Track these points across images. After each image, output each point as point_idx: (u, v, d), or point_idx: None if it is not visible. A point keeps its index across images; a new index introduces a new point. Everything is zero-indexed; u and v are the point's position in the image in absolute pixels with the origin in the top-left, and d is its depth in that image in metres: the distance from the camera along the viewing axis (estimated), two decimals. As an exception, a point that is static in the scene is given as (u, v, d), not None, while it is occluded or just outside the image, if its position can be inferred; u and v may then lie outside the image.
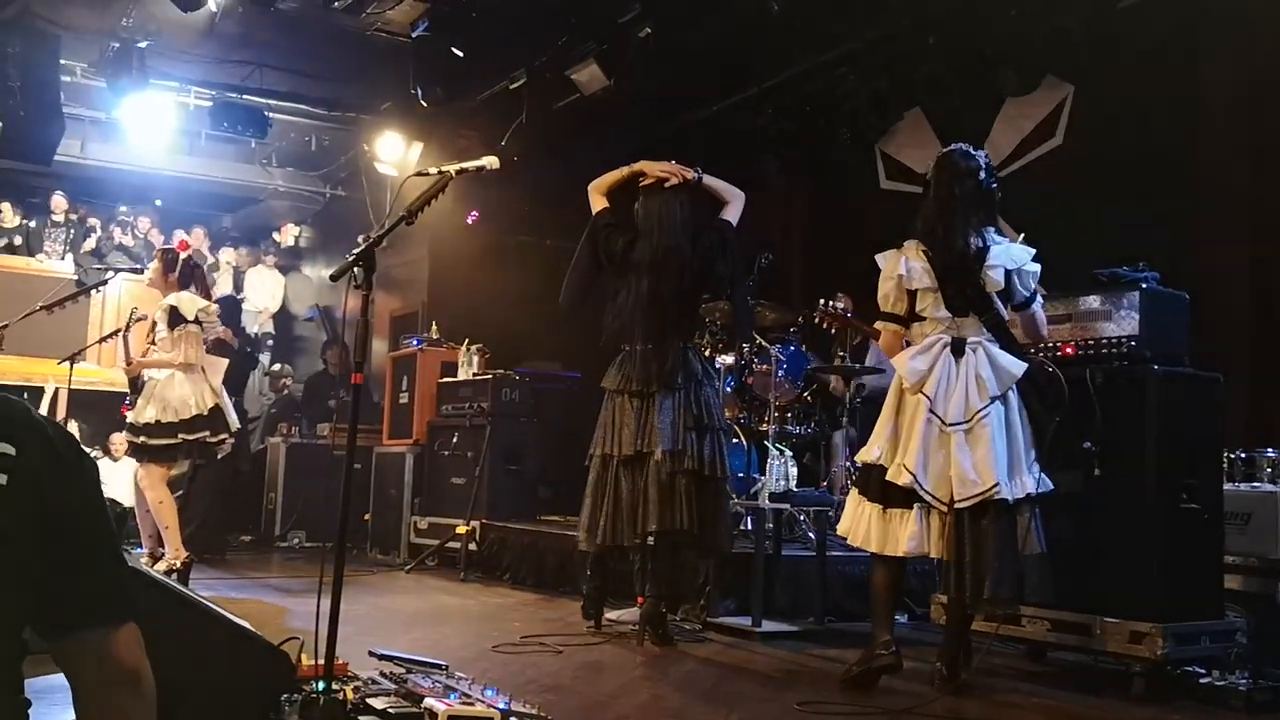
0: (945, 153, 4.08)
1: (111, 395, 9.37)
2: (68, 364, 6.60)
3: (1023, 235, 4.43)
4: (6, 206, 11.00)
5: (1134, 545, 3.89)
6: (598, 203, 4.96)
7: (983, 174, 3.98)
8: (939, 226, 3.93)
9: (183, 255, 6.20)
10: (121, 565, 1.59)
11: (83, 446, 1.61)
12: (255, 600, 5.83)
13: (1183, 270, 4.68)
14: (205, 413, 5.86)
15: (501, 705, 2.90)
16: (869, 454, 3.95)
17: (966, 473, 3.68)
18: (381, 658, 3.38)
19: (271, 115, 9.45)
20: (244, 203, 12.75)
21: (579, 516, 4.87)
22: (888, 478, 3.81)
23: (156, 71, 8.57)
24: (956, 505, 3.70)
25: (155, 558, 6.07)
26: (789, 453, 6.09)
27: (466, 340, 8.31)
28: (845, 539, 4.07)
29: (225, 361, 6.21)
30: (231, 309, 9.59)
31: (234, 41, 8.52)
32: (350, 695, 2.92)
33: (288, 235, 12.84)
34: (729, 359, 6.47)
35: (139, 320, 6.77)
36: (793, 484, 5.93)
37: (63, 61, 8.26)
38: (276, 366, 11.30)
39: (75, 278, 9.85)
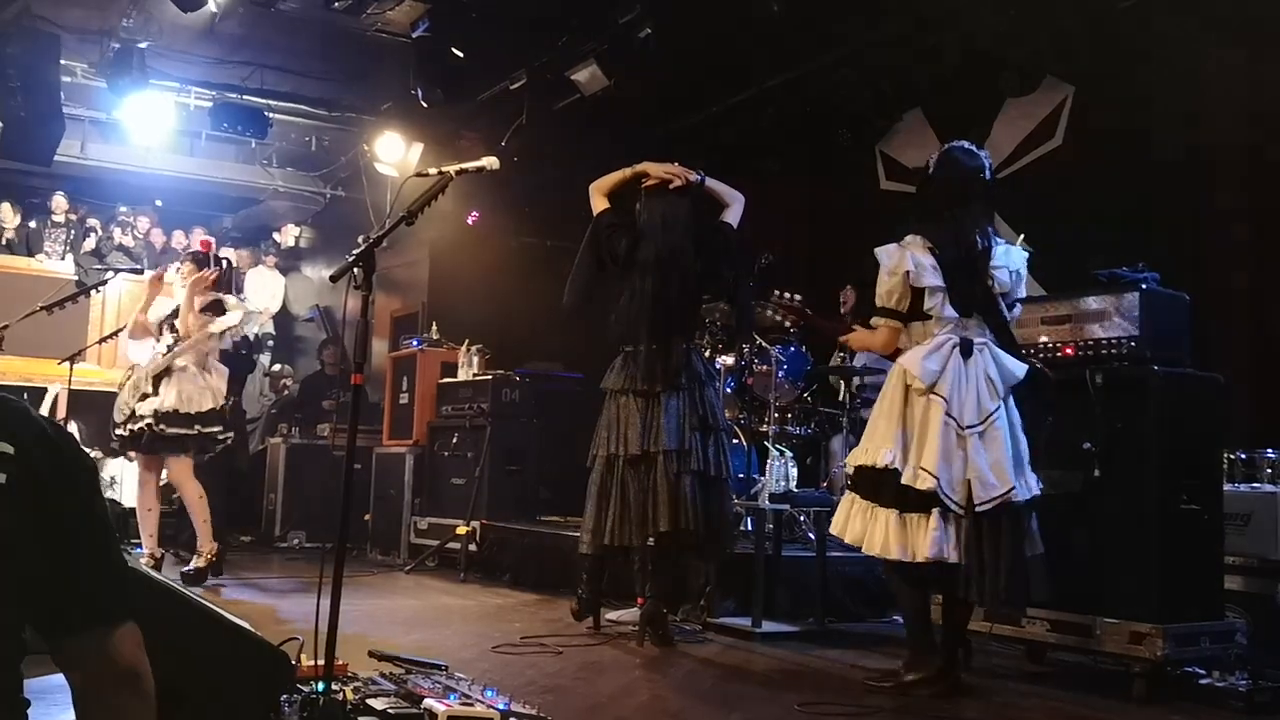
0: (950, 148, 4.01)
1: (111, 395, 9.38)
2: (68, 364, 6.60)
3: (1023, 236, 4.43)
4: (6, 207, 11.00)
5: (1134, 546, 3.88)
6: (599, 203, 4.97)
7: (986, 173, 3.97)
8: (949, 223, 3.88)
9: (216, 258, 6.35)
10: (121, 565, 1.59)
11: (82, 446, 1.62)
12: (255, 600, 5.83)
13: (1183, 271, 4.68)
14: (218, 409, 6.07)
15: (501, 706, 2.90)
16: (877, 457, 3.78)
17: (986, 475, 3.67)
18: (381, 658, 3.38)
19: (272, 115, 9.45)
20: (244, 203, 12.75)
21: (581, 518, 4.87)
22: (905, 481, 3.70)
23: (157, 72, 8.57)
24: (977, 509, 3.67)
25: (156, 558, 6.11)
26: (789, 453, 6.09)
27: (467, 341, 8.31)
28: (850, 543, 3.95)
29: (226, 370, 6.37)
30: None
31: (234, 42, 8.53)
32: (350, 696, 2.92)
33: (288, 236, 12.84)
34: (729, 359, 6.47)
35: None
36: (793, 485, 5.92)
37: (63, 62, 8.26)
38: (276, 367, 11.30)
39: (75, 278, 9.85)
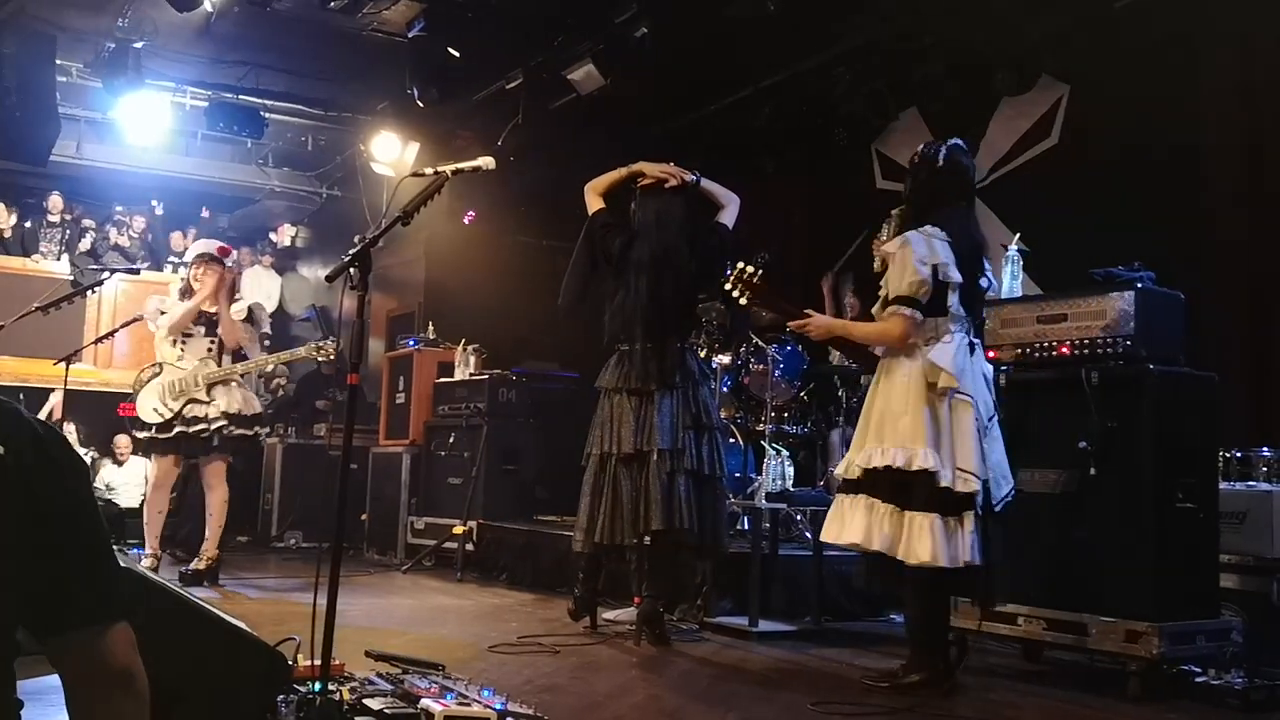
0: (953, 145, 3.99)
1: (106, 396, 9.37)
2: (64, 365, 6.59)
3: (1019, 235, 4.44)
4: (1, 207, 10.98)
5: (1130, 544, 3.89)
6: (594, 203, 4.97)
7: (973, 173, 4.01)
8: (958, 218, 3.88)
9: (229, 262, 6.40)
10: (113, 565, 1.58)
11: (74, 448, 1.61)
12: (252, 600, 5.84)
13: (1178, 269, 4.68)
14: (263, 411, 6.35)
15: (498, 706, 2.90)
16: (909, 458, 3.64)
17: (1002, 474, 3.75)
18: (378, 658, 3.37)
19: (267, 115, 9.44)
20: (240, 203, 12.73)
21: (575, 517, 4.87)
22: (945, 484, 3.63)
23: (152, 72, 8.56)
24: (995, 507, 3.72)
25: (158, 558, 6.10)
26: (785, 452, 6.09)
27: (463, 340, 8.31)
28: (848, 544, 3.85)
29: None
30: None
31: (230, 41, 8.52)
32: (346, 696, 2.92)
33: (284, 235, 12.83)
34: (726, 359, 6.48)
35: (136, 321, 6.80)
36: (789, 484, 5.93)
37: (58, 62, 8.25)
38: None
39: (71, 278, 9.84)
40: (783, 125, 8.04)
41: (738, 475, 6.14)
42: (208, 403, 5.98)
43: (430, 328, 8.91)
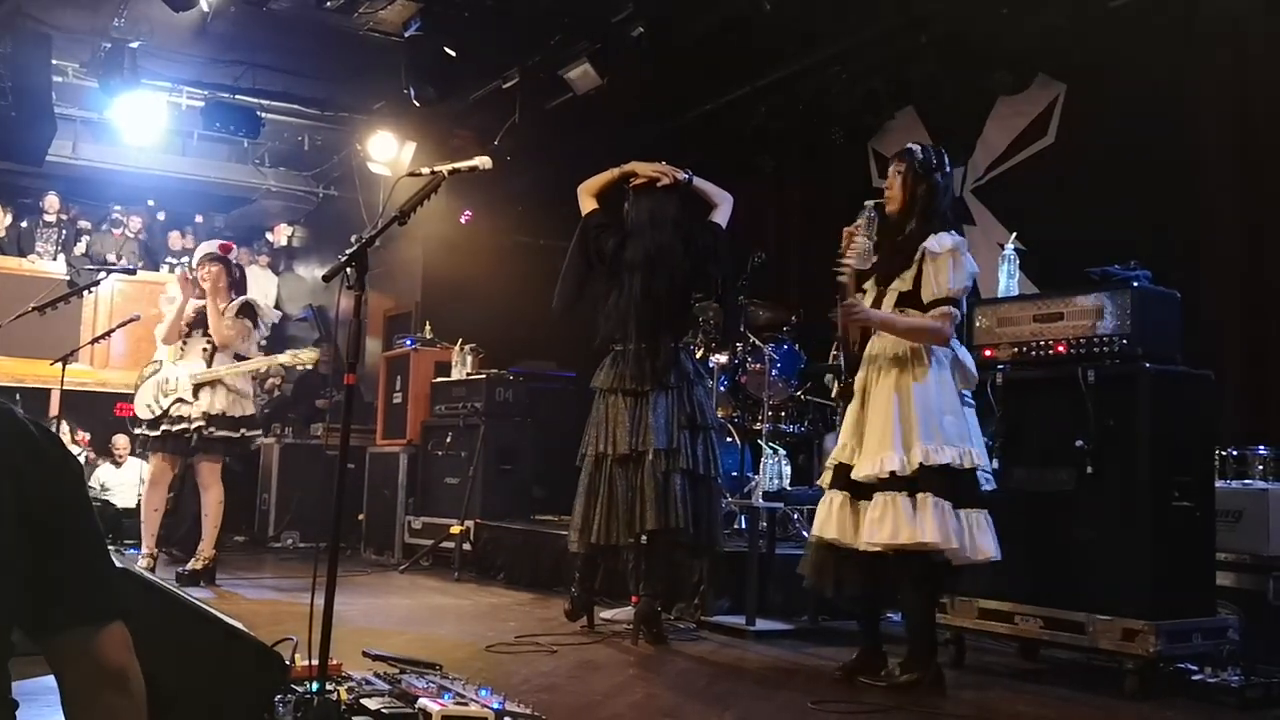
0: (942, 152, 4.04)
1: (102, 396, 9.38)
2: (60, 365, 6.58)
3: (1015, 234, 4.44)
4: (-2, 207, 10.98)
5: (1126, 543, 3.89)
6: (588, 204, 4.98)
7: None
8: (954, 226, 3.96)
9: (231, 257, 6.39)
10: (108, 565, 1.58)
11: (68, 447, 1.61)
12: (249, 600, 5.83)
13: (1175, 268, 4.69)
14: (255, 413, 6.28)
15: (496, 705, 2.90)
16: (968, 458, 3.73)
17: None
18: (375, 658, 3.38)
19: (264, 115, 9.43)
20: (237, 203, 12.72)
21: (571, 517, 4.88)
22: (983, 485, 3.83)
23: (148, 72, 8.54)
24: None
25: (154, 558, 6.09)
26: (782, 451, 6.10)
27: (460, 340, 8.31)
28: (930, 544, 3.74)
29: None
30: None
31: (226, 41, 8.51)
32: (344, 696, 2.92)
33: (281, 235, 12.82)
34: (723, 358, 6.48)
35: (132, 321, 6.79)
36: (786, 483, 5.94)
37: (54, 62, 8.24)
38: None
39: (67, 278, 9.83)
40: (779, 125, 8.04)
41: (735, 474, 6.14)
42: (191, 403, 5.99)
43: (427, 327, 8.91)
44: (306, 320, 12.32)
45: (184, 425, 5.97)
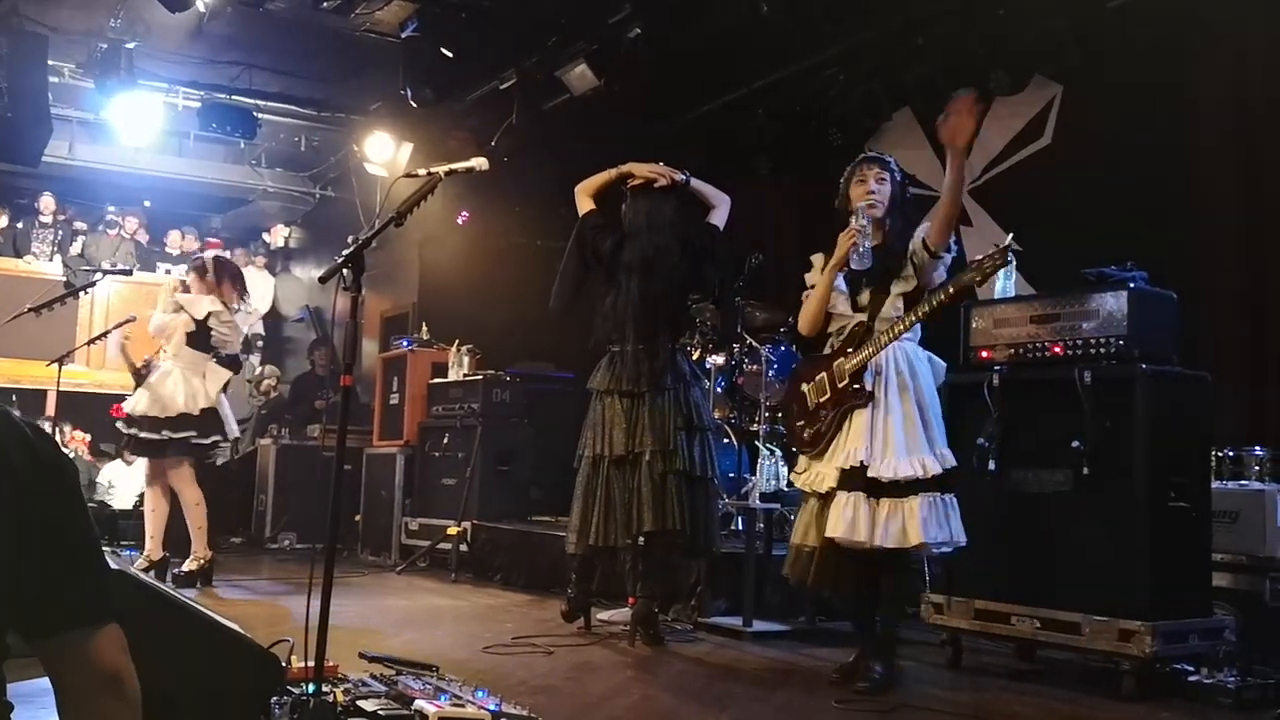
0: None
1: (99, 397, 9.35)
2: (56, 366, 6.58)
3: (1012, 235, 4.44)
4: (-7, 208, 10.98)
5: (1122, 543, 3.90)
6: (585, 205, 4.98)
7: None
8: None
9: (210, 255, 6.31)
10: (103, 567, 1.58)
11: (63, 449, 1.61)
12: (245, 602, 5.83)
13: (1171, 269, 4.70)
14: (195, 413, 5.94)
15: (492, 707, 2.89)
16: (950, 458, 3.89)
17: None
18: (372, 659, 3.37)
19: (260, 116, 9.42)
20: (233, 203, 12.71)
21: (569, 518, 4.88)
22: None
23: (145, 72, 8.53)
24: None
25: (154, 561, 6.06)
26: (779, 453, 6.10)
27: (457, 341, 8.30)
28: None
29: (228, 373, 6.26)
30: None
31: (222, 42, 8.50)
32: (340, 697, 2.92)
33: (277, 236, 12.81)
34: (719, 359, 6.48)
35: (129, 322, 6.78)
36: (783, 484, 5.94)
37: (51, 62, 8.22)
38: (257, 370, 11.24)
39: (64, 279, 9.82)
40: (776, 126, 8.04)
41: (732, 475, 6.14)
42: (148, 406, 5.95)
43: (424, 328, 8.91)
44: (303, 321, 12.32)
45: (135, 428, 5.94)
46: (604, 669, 4.17)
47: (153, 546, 6.08)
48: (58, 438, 8.19)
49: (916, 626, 4.62)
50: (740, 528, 5.65)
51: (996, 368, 4.35)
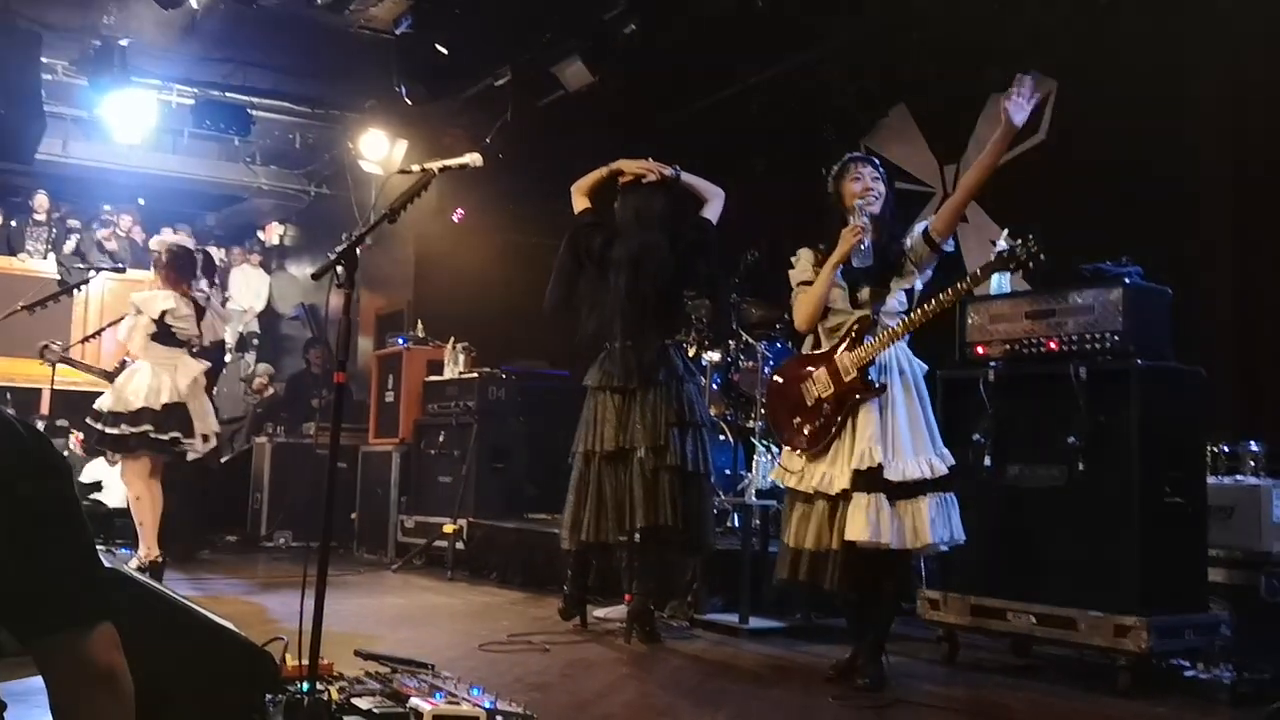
0: None
1: (93, 395, 9.31)
2: (50, 365, 6.56)
3: (1007, 231, 4.44)
4: (-13, 206, 10.95)
5: (1118, 539, 3.90)
6: (580, 203, 5.00)
7: None
8: None
9: (166, 247, 6.22)
10: (96, 565, 1.57)
11: (55, 447, 1.60)
12: (240, 600, 5.81)
13: (1167, 265, 4.69)
14: (157, 408, 5.79)
15: (487, 704, 2.89)
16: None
17: None
18: (367, 657, 3.37)
19: (254, 113, 9.40)
20: (228, 201, 12.69)
21: (562, 515, 4.87)
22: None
23: (138, 69, 8.51)
24: None
25: (152, 559, 5.98)
26: (775, 449, 6.09)
27: (452, 339, 8.29)
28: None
29: (200, 366, 6.10)
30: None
31: (216, 39, 8.48)
32: (335, 695, 2.91)
33: (272, 234, 12.79)
34: (715, 356, 6.47)
35: (124, 319, 6.74)
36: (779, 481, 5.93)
37: (44, 60, 8.20)
38: (251, 368, 11.21)
39: (58, 277, 9.79)
40: (772, 122, 8.03)
41: (728, 472, 6.14)
42: (113, 403, 5.88)
43: (419, 326, 8.89)
44: (298, 319, 12.30)
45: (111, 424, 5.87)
46: (600, 666, 4.16)
47: (149, 543, 6.02)
48: (70, 437, 8.16)
49: (912, 622, 4.62)
50: (736, 524, 5.65)
51: (992, 363, 4.36)
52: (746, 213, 5.86)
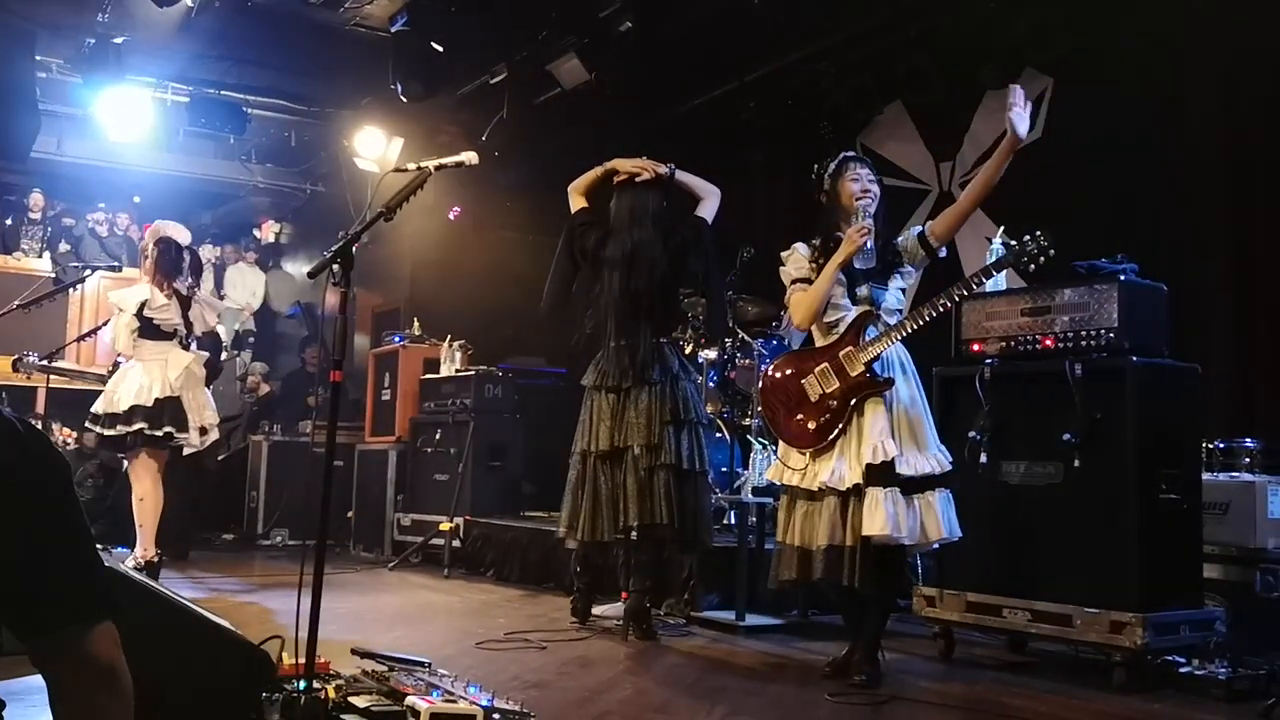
0: None
1: (89, 394, 9.30)
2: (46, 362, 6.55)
3: (1003, 228, 4.44)
4: (-18, 204, 10.92)
5: (1113, 536, 3.90)
6: (576, 203, 5.02)
7: None
8: None
9: (149, 238, 6.18)
10: (96, 564, 1.58)
11: (54, 446, 1.60)
12: (237, 599, 5.81)
13: (1162, 261, 4.70)
14: (149, 404, 5.76)
15: (485, 702, 2.89)
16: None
17: None
18: (364, 655, 3.36)
19: (250, 111, 9.39)
20: (223, 199, 12.67)
21: (560, 513, 4.89)
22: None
23: (133, 67, 8.50)
24: None
25: (150, 558, 5.97)
26: (772, 447, 6.09)
27: (449, 336, 8.29)
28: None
29: (191, 356, 6.00)
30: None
31: (211, 37, 8.46)
32: (332, 694, 2.91)
33: (268, 232, 12.78)
34: (712, 353, 6.47)
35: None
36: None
37: (38, 58, 8.18)
38: (245, 367, 11.19)
39: (53, 275, 9.77)
40: (768, 119, 8.04)
41: (724, 470, 6.14)
42: (106, 404, 5.86)
43: (415, 324, 8.89)
44: (295, 317, 12.28)
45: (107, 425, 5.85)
46: (597, 664, 4.17)
47: (146, 542, 6.01)
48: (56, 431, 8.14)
49: (909, 619, 4.63)
50: (733, 522, 5.66)
51: (988, 360, 4.36)
52: (742, 210, 5.88)
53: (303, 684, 2.74)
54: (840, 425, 3.84)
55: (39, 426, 1.56)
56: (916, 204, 7.13)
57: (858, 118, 7.65)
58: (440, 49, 7.69)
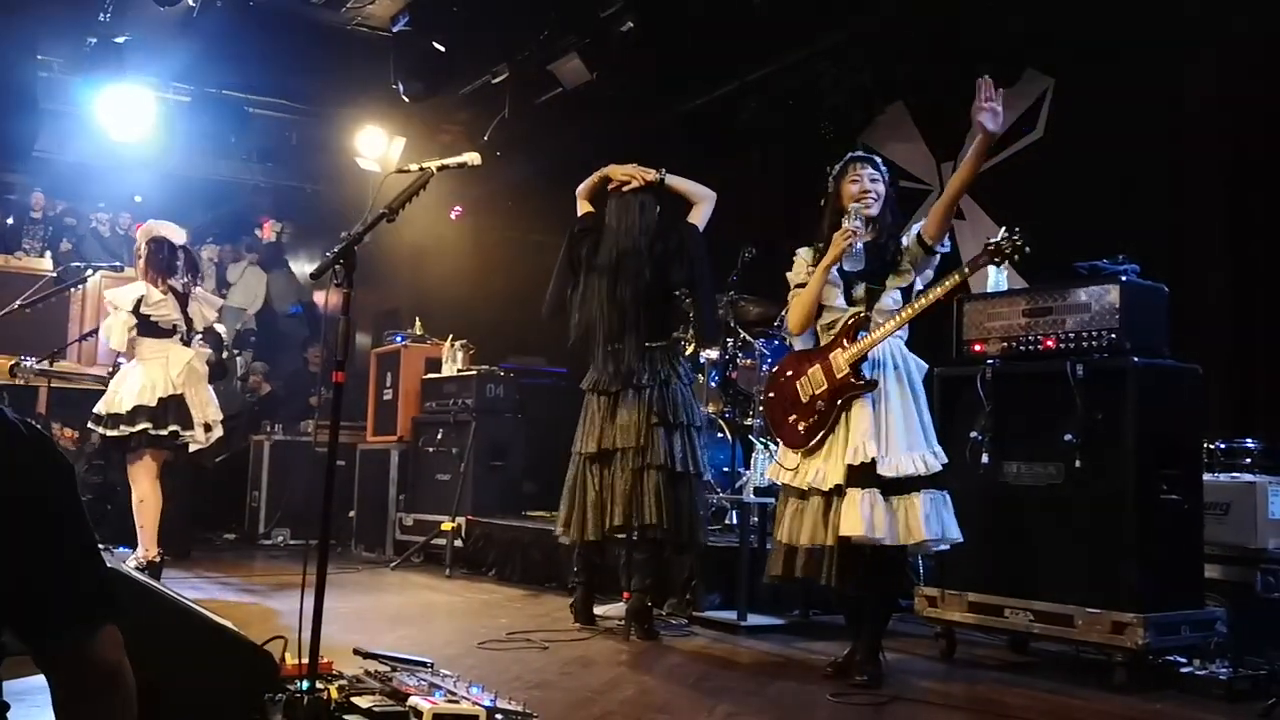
0: None
1: (91, 394, 9.31)
2: (47, 362, 6.56)
3: (1004, 228, 4.44)
4: (-17, 204, 10.93)
5: (1114, 536, 3.91)
6: (581, 208, 5.12)
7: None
8: None
9: (142, 238, 6.18)
10: (100, 566, 1.58)
11: (58, 446, 1.60)
12: (239, 599, 5.81)
13: (1163, 262, 4.69)
14: (153, 404, 5.74)
15: (487, 702, 2.89)
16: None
17: None
18: (366, 656, 3.37)
19: (251, 110, 9.39)
20: (224, 199, 12.66)
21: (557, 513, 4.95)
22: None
23: (135, 67, 8.50)
24: None
25: (151, 559, 5.97)
26: (773, 447, 6.09)
27: (450, 336, 8.29)
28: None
29: (192, 352, 5.97)
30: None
31: (212, 36, 8.45)
32: (335, 694, 2.91)
33: (269, 231, 12.77)
34: (714, 354, 6.48)
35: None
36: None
37: (40, 57, 8.19)
38: (244, 366, 11.19)
39: (54, 275, 9.77)
40: (768, 119, 8.04)
41: (726, 470, 6.14)
42: (107, 405, 5.85)
43: (417, 323, 8.89)
44: (296, 317, 12.29)
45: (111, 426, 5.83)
46: (599, 664, 4.17)
47: (148, 542, 6.01)
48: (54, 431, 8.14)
49: (910, 619, 4.63)
50: (734, 522, 5.66)
51: (989, 361, 4.36)
52: (742, 210, 5.87)
53: (305, 684, 2.75)
54: (827, 426, 3.87)
55: (40, 427, 1.55)
56: (917, 204, 7.12)
57: (858, 118, 7.65)
58: (442, 49, 7.70)
